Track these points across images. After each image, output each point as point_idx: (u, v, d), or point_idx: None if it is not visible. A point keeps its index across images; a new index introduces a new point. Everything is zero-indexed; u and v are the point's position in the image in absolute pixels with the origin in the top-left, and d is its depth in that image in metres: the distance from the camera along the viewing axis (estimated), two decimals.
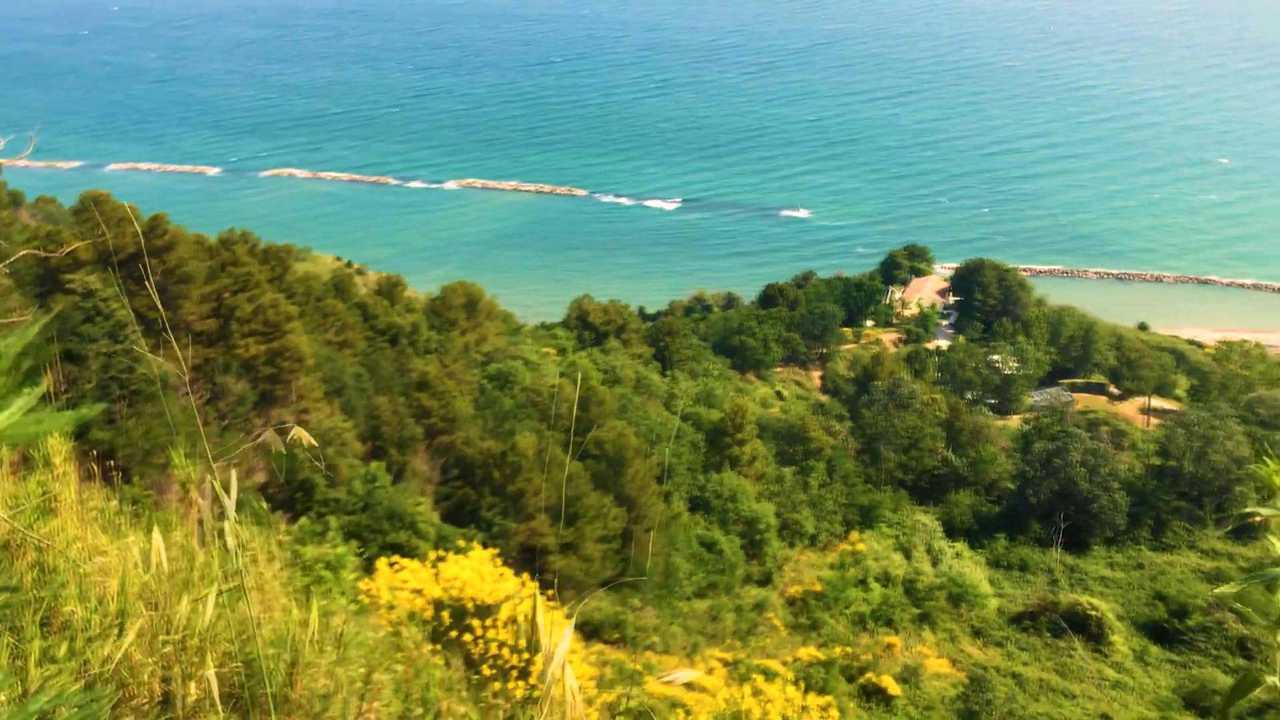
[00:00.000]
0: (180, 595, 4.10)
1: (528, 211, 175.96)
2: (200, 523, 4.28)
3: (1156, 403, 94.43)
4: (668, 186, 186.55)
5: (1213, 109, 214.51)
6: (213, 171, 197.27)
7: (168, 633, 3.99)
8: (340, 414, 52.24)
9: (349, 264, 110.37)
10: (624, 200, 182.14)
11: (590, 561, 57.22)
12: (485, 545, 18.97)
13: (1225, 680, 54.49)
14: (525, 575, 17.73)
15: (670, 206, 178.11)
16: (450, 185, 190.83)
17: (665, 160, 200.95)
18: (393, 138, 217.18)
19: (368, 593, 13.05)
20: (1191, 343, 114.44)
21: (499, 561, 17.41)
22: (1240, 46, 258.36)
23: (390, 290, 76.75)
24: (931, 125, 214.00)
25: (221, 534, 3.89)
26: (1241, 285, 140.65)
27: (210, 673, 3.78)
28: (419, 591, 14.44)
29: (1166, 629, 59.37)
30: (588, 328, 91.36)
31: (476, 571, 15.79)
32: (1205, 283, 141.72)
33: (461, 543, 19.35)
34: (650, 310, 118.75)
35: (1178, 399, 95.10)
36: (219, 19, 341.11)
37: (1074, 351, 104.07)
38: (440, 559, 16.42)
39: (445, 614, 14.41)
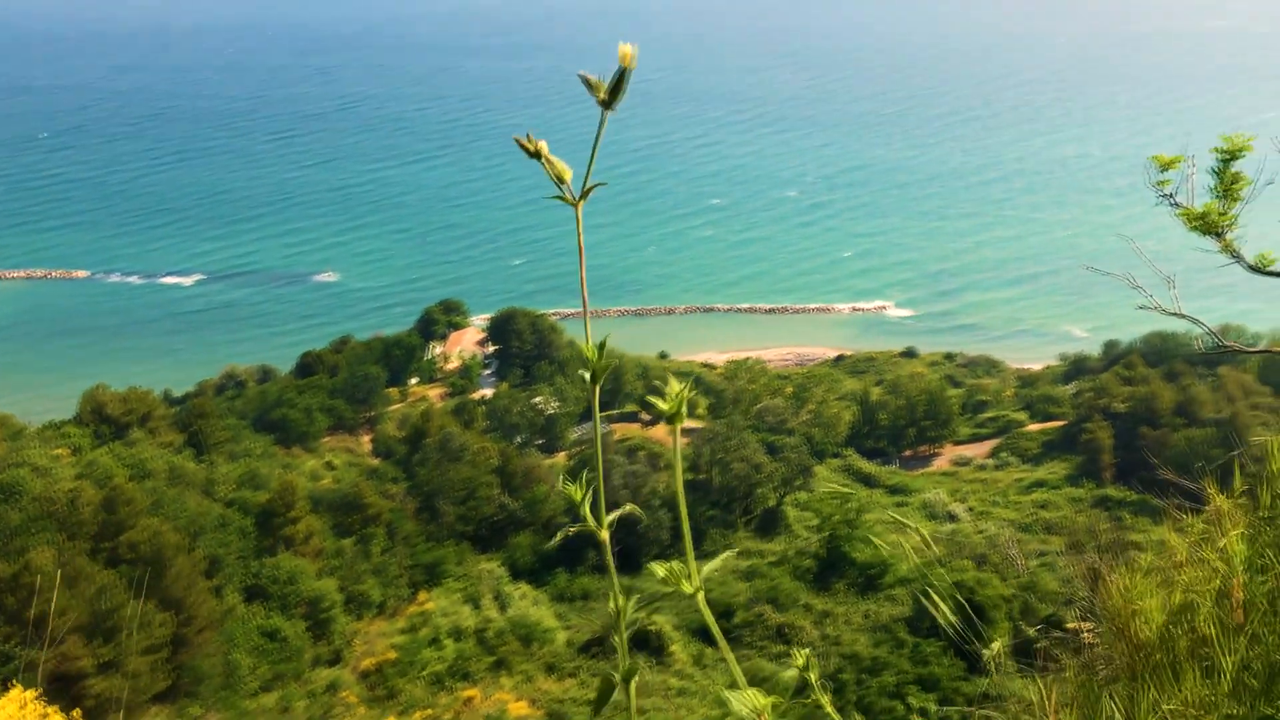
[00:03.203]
0: None
1: (18, 301, 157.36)
2: None
3: (684, 423, 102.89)
4: (187, 262, 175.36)
5: (701, 155, 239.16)
6: None
7: None
8: None
9: None
10: (134, 279, 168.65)
11: (137, 677, 52.05)
12: (7, 682, 16.51)
13: (770, 668, 60.34)
14: (76, 710, 15.70)
15: (189, 282, 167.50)
16: None
17: (183, 234, 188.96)
18: None
19: None
20: (705, 365, 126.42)
21: (33, 698, 15.24)
22: (715, 98, 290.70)
23: None
24: (456, 184, 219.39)
25: None
26: (739, 310, 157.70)
27: None
28: None
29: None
30: (105, 421, 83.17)
31: (10, 716, 13.73)
32: (710, 310, 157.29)
33: None
34: (178, 393, 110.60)
35: (700, 417, 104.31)
36: None
37: (607, 385, 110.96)
38: None
39: None
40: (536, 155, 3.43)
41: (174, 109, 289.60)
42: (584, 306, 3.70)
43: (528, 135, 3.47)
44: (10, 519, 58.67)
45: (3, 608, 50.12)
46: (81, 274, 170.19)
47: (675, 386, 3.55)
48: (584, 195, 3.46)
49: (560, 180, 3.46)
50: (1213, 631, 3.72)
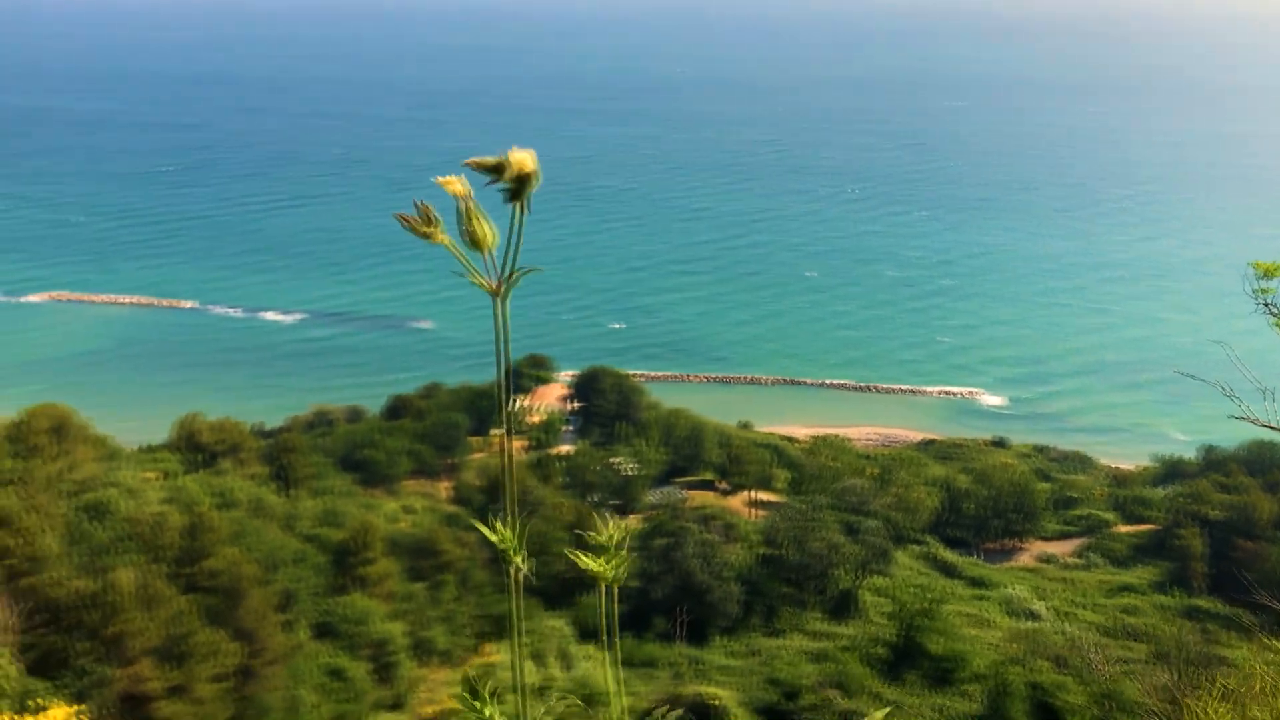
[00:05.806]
0: None
1: (128, 325, 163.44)
2: None
3: (761, 495, 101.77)
4: (290, 301, 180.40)
5: (801, 230, 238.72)
6: None
7: None
8: None
9: None
10: (237, 313, 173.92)
11: (203, 704, 52.59)
12: (81, 696, 16.81)
13: None
14: None
15: (290, 320, 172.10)
16: (34, 299, 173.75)
17: (289, 274, 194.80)
18: None
19: None
20: (787, 438, 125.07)
21: (86, 715, 15.50)
22: (819, 173, 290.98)
23: None
24: (559, 241, 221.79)
25: None
26: (825, 385, 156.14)
27: None
28: None
29: (781, 711, 63.15)
30: (197, 448, 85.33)
31: None
32: (796, 384, 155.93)
33: (40, 700, 17.01)
34: (269, 427, 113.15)
35: (778, 491, 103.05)
36: None
37: (685, 451, 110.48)
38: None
39: None
40: (427, 236, 2.83)
41: (292, 153, 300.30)
42: (507, 433, 2.82)
43: (420, 204, 2.81)
44: (98, 537, 60.20)
45: (83, 623, 51.25)
46: (189, 304, 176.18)
47: (610, 529, 2.87)
48: (509, 283, 2.84)
49: (478, 246, 2.87)
50: None
